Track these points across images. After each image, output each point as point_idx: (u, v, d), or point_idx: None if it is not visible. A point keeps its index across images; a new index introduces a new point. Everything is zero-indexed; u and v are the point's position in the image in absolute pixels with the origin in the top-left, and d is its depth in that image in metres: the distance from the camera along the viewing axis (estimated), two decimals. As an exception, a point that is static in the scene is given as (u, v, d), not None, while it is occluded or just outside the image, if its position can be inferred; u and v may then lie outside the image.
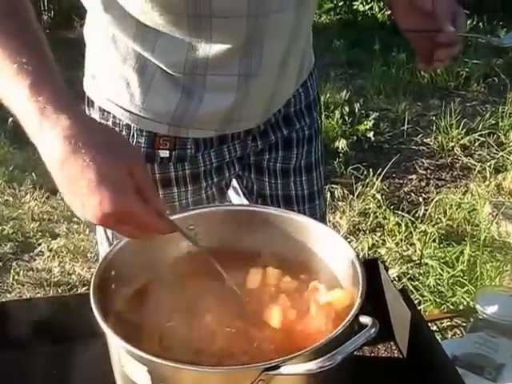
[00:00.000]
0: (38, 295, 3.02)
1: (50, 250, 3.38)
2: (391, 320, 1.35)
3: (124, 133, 1.47)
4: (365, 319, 0.91)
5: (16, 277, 3.21)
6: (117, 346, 0.95)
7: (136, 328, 1.05)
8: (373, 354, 1.32)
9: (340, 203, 3.60)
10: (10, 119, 4.17)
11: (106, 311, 1.05)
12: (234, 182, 1.74)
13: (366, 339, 0.87)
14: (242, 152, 1.61)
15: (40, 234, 3.53)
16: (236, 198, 1.76)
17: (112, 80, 1.45)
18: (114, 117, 1.47)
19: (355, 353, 1.30)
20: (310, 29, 1.58)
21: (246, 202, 1.74)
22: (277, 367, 0.84)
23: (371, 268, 1.36)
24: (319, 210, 1.77)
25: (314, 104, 1.70)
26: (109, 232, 1.53)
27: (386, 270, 1.37)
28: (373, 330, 0.88)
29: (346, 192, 3.66)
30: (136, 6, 1.33)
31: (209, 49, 1.35)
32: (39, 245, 3.44)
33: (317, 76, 1.72)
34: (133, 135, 1.47)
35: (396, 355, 1.32)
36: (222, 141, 1.54)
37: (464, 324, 2.17)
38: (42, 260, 3.33)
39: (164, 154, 1.49)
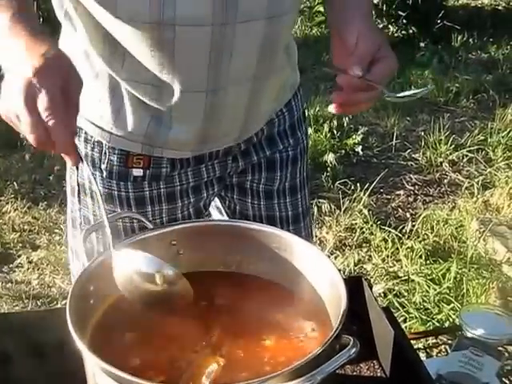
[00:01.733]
0: (17, 308, 2.99)
1: (30, 262, 3.33)
2: (374, 338, 1.34)
3: (96, 149, 1.45)
4: (346, 339, 0.89)
5: (-6, 289, 3.17)
6: (92, 364, 0.94)
7: (113, 345, 1.03)
8: (355, 373, 1.30)
9: (327, 218, 3.58)
10: (-8, 128, 4.16)
11: (83, 327, 1.03)
12: (218, 202, 1.71)
13: (347, 359, 0.85)
14: (222, 172, 1.58)
15: (20, 245, 3.48)
16: (219, 217, 1.74)
17: (85, 95, 1.41)
18: (85, 133, 1.45)
19: (337, 371, 1.30)
20: (292, 46, 1.55)
21: None
22: (254, 388, 0.83)
23: (355, 285, 1.35)
24: (304, 230, 1.74)
25: (299, 124, 1.66)
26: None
27: (370, 287, 1.35)
28: (353, 350, 0.86)
29: (333, 207, 3.64)
30: (103, 17, 1.29)
31: (174, 62, 1.31)
32: (19, 256, 3.40)
33: (302, 95, 1.68)
34: (105, 153, 1.45)
35: (379, 374, 1.30)
36: (199, 160, 1.52)
37: (449, 342, 2.14)
38: (22, 272, 3.28)
39: (138, 172, 1.46)
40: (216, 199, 1.69)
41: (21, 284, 3.20)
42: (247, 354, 1.02)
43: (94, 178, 1.44)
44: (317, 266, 1.10)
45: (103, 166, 1.46)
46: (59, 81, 1.03)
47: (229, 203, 1.69)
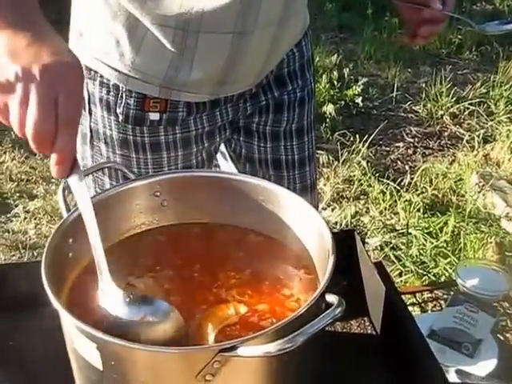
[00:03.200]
0: (13, 258, 2.96)
1: (27, 212, 3.30)
2: (365, 294, 1.30)
3: (112, 93, 1.42)
4: (331, 298, 0.85)
5: (-9, 239, 3.14)
6: (67, 322, 0.89)
7: (91, 301, 0.99)
8: (345, 330, 1.27)
9: (325, 170, 3.54)
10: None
11: (61, 281, 0.99)
12: (222, 147, 1.69)
13: (331, 320, 0.81)
14: (234, 116, 1.56)
15: (18, 194, 3.44)
16: (224, 163, 1.72)
17: (101, 38, 1.39)
18: (101, 76, 1.42)
19: (326, 328, 1.27)
20: None
21: (233, 167, 1.69)
22: (234, 348, 0.78)
23: (347, 239, 1.32)
24: (309, 176, 1.72)
25: (308, 65, 1.65)
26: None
27: (363, 241, 1.31)
28: (338, 309, 0.82)
29: (331, 158, 3.59)
30: None
31: (203, 2, 1.28)
32: (16, 206, 3.36)
33: (311, 36, 1.67)
34: (121, 96, 1.42)
35: (369, 331, 1.27)
36: (214, 104, 1.49)
37: (445, 296, 2.12)
38: (19, 222, 3.24)
39: (154, 116, 1.44)
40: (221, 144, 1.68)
41: (17, 234, 3.16)
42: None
43: (109, 123, 1.45)
44: (304, 219, 1.05)
45: (119, 110, 1.43)
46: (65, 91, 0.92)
47: (234, 146, 1.66)
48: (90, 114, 1.47)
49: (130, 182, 1.12)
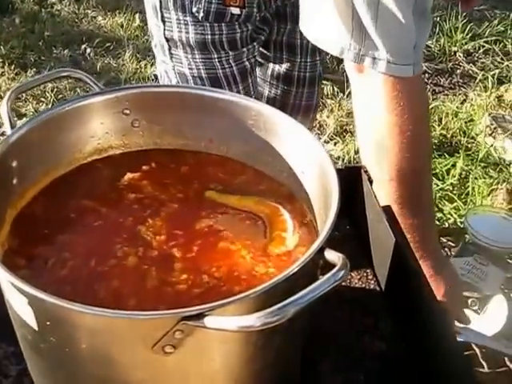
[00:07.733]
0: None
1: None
2: (370, 243, 1.11)
3: None
4: (332, 255, 0.65)
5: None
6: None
7: (36, 246, 0.80)
8: (343, 283, 1.09)
9: (329, 101, 3.35)
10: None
11: (1, 213, 0.81)
12: None
13: (330, 287, 0.61)
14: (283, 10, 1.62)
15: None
16: None
17: None
18: None
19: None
20: None
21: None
22: (200, 316, 0.59)
23: (352, 177, 1.14)
24: (319, 67, 1.81)
25: None
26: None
27: (370, 181, 1.12)
28: (342, 272, 0.62)
29: (336, 90, 3.40)
30: None
31: None
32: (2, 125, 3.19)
33: None
34: None
35: (372, 287, 1.10)
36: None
37: (452, 244, 1.96)
38: (5, 141, 3.09)
39: (235, 11, 1.46)
40: None
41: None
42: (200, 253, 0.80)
43: (185, 26, 1.47)
44: (302, 152, 0.86)
45: (195, 9, 1.44)
46: None
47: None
48: (164, 21, 1.48)
49: (94, 96, 0.92)
